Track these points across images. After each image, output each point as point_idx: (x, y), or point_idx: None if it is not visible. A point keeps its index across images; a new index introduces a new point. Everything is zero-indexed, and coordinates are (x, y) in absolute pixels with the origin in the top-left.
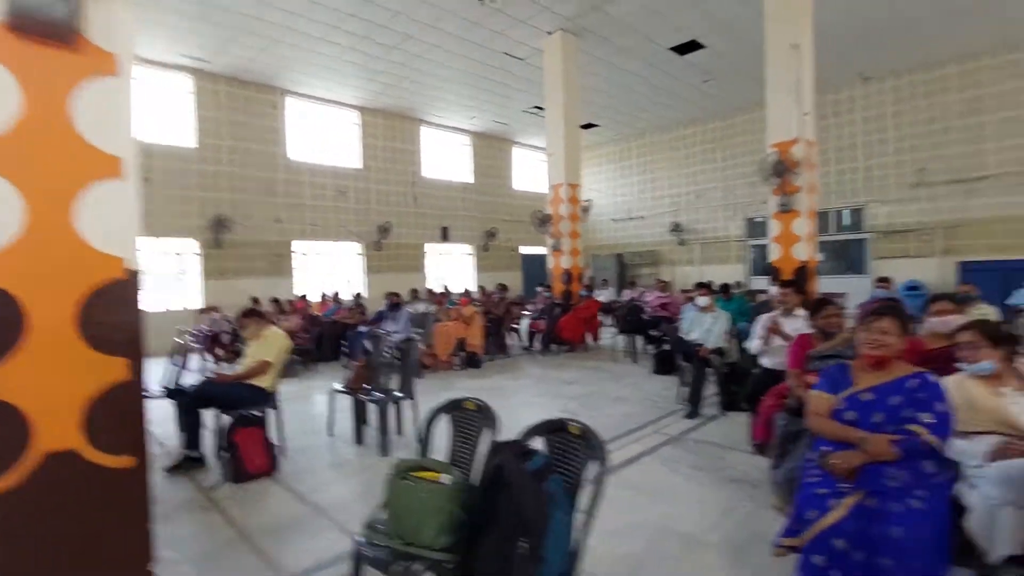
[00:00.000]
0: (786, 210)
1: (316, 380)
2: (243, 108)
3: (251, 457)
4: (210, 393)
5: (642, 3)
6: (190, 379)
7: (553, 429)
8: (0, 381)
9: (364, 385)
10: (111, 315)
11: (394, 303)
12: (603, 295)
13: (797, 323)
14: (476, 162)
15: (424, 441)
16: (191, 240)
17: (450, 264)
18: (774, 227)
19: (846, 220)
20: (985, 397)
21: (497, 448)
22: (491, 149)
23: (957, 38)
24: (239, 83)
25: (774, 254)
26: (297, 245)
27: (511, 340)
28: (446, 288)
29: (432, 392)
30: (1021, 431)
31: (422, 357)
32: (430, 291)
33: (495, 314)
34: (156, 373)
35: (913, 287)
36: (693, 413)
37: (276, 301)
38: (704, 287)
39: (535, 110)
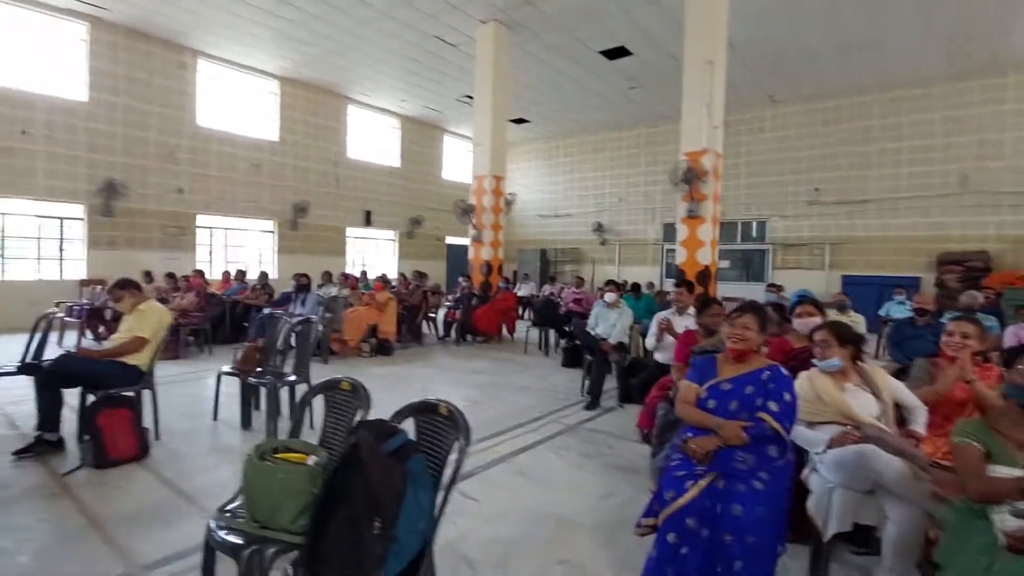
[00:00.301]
0: (693, 216)
1: (211, 363)
2: (145, 65)
3: (115, 441)
4: (70, 369)
5: (572, 3)
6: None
7: (422, 410)
8: None
9: (256, 368)
10: None
11: (302, 284)
12: (524, 289)
13: (688, 321)
14: (404, 147)
15: (297, 421)
16: (76, 205)
17: (372, 250)
18: (681, 231)
19: (753, 231)
20: (831, 391)
21: (357, 427)
22: (421, 135)
23: (849, 73)
24: (142, 37)
25: (680, 257)
26: (202, 219)
27: (427, 329)
28: (363, 273)
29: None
30: (857, 422)
31: (331, 342)
32: (343, 275)
33: (410, 302)
34: (18, 348)
35: (803, 296)
36: (593, 404)
37: (171, 276)
38: (612, 284)
39: (467, 99)
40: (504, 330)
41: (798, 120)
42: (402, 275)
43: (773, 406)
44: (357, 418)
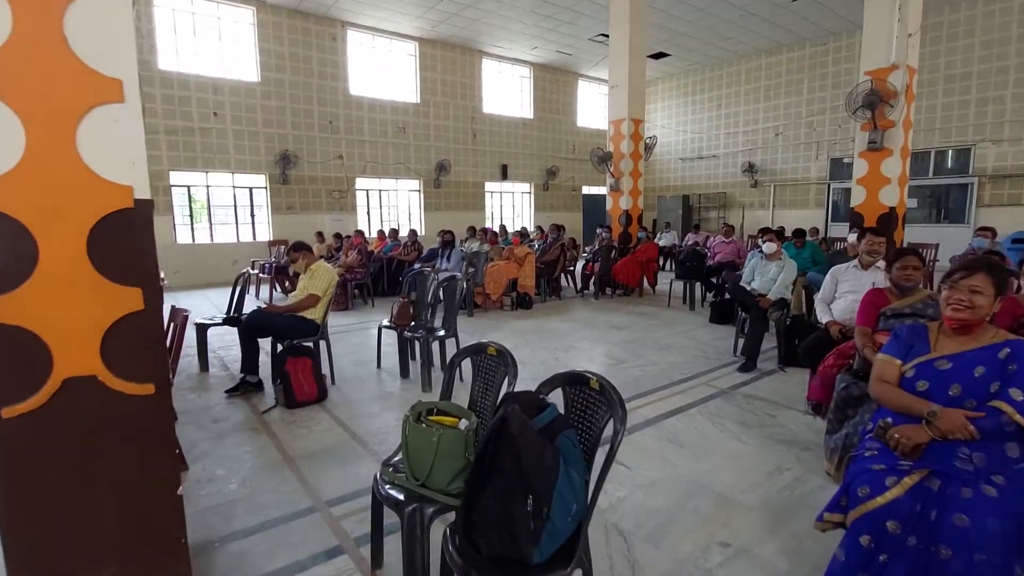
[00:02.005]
0: (876, 148)
1: (374, 313)
2: (303, 41)
3: (301, 385)
4: (259, 323)
5: None
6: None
7: (571, 381)
8: (18, 307)
9: (410, 322)
10: (121, 245)
11: (446, 241)
12: (665, 239)
13: (876, 277)
14: (536, 96)
15: (447, 385)
16: (260, 175)
17: (509, 203)
18: (859, 167)
19: (949, 162)
20: None
21: (506, 399)
22: (554, 83)
23: None
24: (299, 15)
25: (857, 198)
26: (360, 182)
27: (565, 282)
28: (502, 227)
29: (479, 331)
30: None
31: (474, 296)
32: (482, 230)
33: (549, 258)
34: (224, 301)
35: (1020, 240)
36: (748, 367)
37: (338, 236)
38: (770, 232)
39: (601, 38)
40: (644, 282)
41: (1022, 16)
42: (539, 228)
43: (1016, 394)
44: (504, 384)
